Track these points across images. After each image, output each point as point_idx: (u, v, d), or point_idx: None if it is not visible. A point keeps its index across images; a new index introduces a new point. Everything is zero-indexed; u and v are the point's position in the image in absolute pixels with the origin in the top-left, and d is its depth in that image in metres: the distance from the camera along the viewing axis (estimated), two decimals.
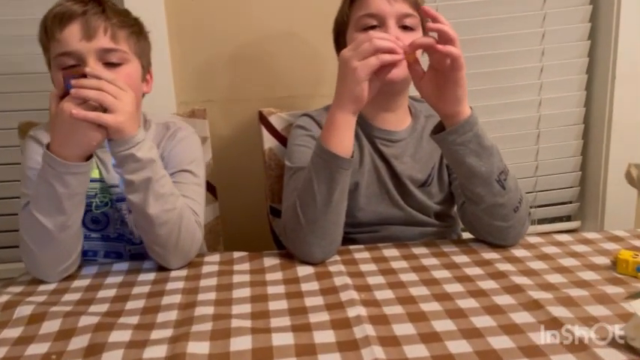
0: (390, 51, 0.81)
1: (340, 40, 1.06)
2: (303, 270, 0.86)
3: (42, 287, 0.84)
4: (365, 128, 1.05)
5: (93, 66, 0.85)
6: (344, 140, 0.86)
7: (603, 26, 1.48)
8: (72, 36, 0.85)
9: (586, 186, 1.61)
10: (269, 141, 1.19)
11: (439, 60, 0.82)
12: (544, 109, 1.53)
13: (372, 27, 0.96)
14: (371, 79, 0.83)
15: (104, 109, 0.78)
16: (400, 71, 0.91)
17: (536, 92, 1.52)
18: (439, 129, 0.88)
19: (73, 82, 0.78)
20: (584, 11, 1.48)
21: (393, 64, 0.82)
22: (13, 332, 0.70)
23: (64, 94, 0.79)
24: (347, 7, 1.02)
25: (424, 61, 0.85)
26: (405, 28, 0.96)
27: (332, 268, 0.85)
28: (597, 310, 0.68)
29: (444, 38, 0.80)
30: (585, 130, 1.57)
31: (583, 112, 1.55)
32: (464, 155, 0.86)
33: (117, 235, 0.98)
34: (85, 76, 0.79)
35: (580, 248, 0.90)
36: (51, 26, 0.87)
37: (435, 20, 0.81)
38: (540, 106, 1.53)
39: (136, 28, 0.93)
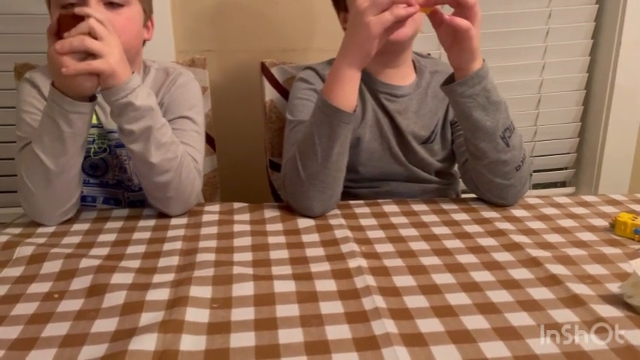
0: (407, 3, 0.79)
1: (340, 1, 1.04)
2: (304, 222, 0.86)
3: (41, 229, 0.84)
4: (368, 83, 1.03)
5: (94, 5, 0.82)
6: (347, 94, 0.85)
7: None
8: None
9: (583, 153, 1.62)
10: (270, 93, 1.17)
11: (458, 12, 0.81)
12: (547, 74, 1.52)
13: None
14: (380, 35, 0.81)
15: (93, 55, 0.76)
16: (407, 30, 0.91)
17: (540, 56, 1.51)
18: (450, 80, 0.88)
19: (65, 34, 0.75)
20: None
21: (402, 21, 0.81)
22: (14, 271, 0.70)
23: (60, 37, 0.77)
24: None
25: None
26: None
27: (332, 221, 0.86)
28: (595, 269, 0.69)
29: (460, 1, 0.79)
30: (586, 96, 1.56)
31: (586, 78, 1.54)
32: (471, 108, 0.86)
33: (116, 182, 0.98)
34: (77, 16, 0.76)
35: (578, 210, 0.91)
36: None
37: None
38: (543, 70, 1.52)
39: None
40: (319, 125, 0.85)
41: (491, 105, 0.86)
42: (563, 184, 1.69)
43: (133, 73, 0.80)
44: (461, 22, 0.80)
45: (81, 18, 0.76)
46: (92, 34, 0.76)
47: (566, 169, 1.65)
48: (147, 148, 0.82)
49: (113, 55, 0.77)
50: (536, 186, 1.65)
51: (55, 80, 0.79)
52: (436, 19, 0.84)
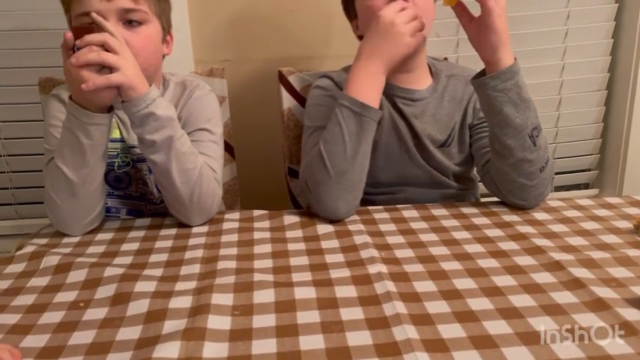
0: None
1: (349, 6, 1.05)
2: (323, 228, 0.86)
3: (66, 239, 0.86)
4: (384, 87, 1.03)
5: (113, 25, 0.84)
6: (375, 95, 0.90)
7: None
8: None
9: (606, 154, 1.59)
10: (288, 101, 1.18)
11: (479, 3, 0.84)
12: (567, 75, 1.50)
13: None
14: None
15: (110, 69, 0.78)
16: (425, 32, 0.95)
17: (560, 57, 1.49)
18: (480, 76, 0.89)
19: (78, 42, 0.77)
20: None
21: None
22: (41, 281, 0.72)
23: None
24: None
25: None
26: None
27: (352, 227, 0.86)
28: (619, 272, 0.68)
29: None
30: (608, 96, 1.54)
31: (607, 78, 1.52)
32: (502, 103, 0.86)
33: (139, 195, 0.99)
34: (90, 29, 0.78)
35: (602, 212, 0.90)
36: None
37: None
38: (563, 71, 1.50)
39: None
40: (348, 123, 0.88)
41: (522, 102, 0.87)
42: (586, 186, 1.66)
43: (150, 85, 0.82)
44: None
45: (94, 30, 0.78)
46: (106, 48, 0.77)
47: (589, 170, 1.62)
48: (168, 158, 0.83)
49: (130, 67, 0.78)
50: (559, 188, 1.63)
51: (73, 94, 0.80)
52: (464, 16, 0.88)
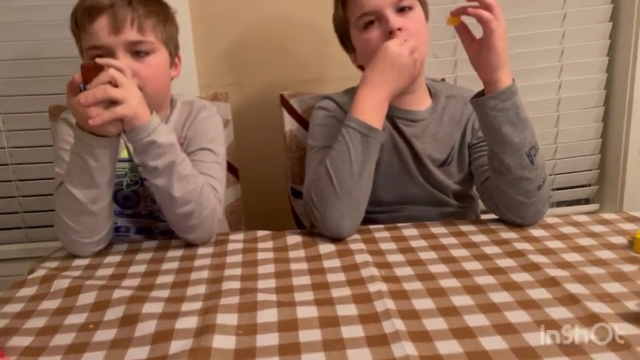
0: None
1: (345, 40, 1.09)
2: (325, 248, 0.88)
3: (76, 262, 0.88)
4: None
5: (121, 58, 0.88)
6: (379, 118, 0.94)
7: (625, 7, 1.46)
8: (101, 30, 0.89)
9: (605, 169, 1.61)
10: (290, 123, 1.21)
11: (481, 24, 0.88)
12: (564, 92, 1.53)
13: (372, 22, 0.99)
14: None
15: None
16: (422, 58, 1.00)
17: (557, 75, 1.52)
18: (479, 95, 0.92)
19: (88, 86, 0.80)
20: None
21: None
22: (52, 304, 0.74)
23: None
24: (341, 9, 1.06)
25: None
26: (403, 10, 0.98)
27: (353, 246, 0.88)
28: (613, 287, 0.70)
29: (483, 5, 0.86)
30: (605, 112, 1.56)
31: (604, 95, 1.55)
32: (501, 122, 0.89)
33: (147, 213, 1.02)
34: (97, 65, 0.81)
35: (598, 228, 0.91)
36: (81, 19, 0.91)
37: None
38: (560, 88, 1.53)
39: (162, 16, 0.96)
40: (355, 144, 0.91)
41: (521, 121, 0.89)
42: (587, 201, 1.67)
43: (152, 112, 0.85)
44: (483, 13, 0.86)
45: (101, 67, 0.81)
46: (112, 82, 0.80)
47: (589, 185, 1.64)
48: (170, 182, 0.86)
49: (133, 99, 0.81)
50: (560, 203, 1.64)
51: (80, 124, 0.83)
52: (466, 37, 0.91)
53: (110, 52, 0.89)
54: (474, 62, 0.92)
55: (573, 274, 0.74)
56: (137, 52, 0.91)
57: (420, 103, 1.09)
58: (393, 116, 1.06)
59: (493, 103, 0.89)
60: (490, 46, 0.87)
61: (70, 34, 0.96)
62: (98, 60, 0.82)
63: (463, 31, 0.92)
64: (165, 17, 0.97)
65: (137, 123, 0.82)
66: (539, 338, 0.59)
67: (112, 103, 0.80)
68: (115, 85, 0.80)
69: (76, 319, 0.70)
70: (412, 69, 0.95)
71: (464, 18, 0.91)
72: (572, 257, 0.81)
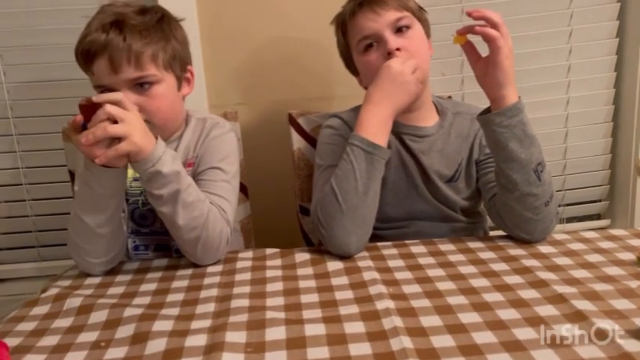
0: None
1: (350, 64, 1.11)
2: (333, 265, 0.89)
3: (88, 281, 0.90)
4: (392, 125, 1.07)
5: (125, 94, 0.87)
6: (383, 135, 0.96)
7: (632, 23, 1.47)
8: (101, 71, 0.90)
9: (615, 184, 1.60)
10: (298, 142, 1.23)
11: (487, 43, 0.89)
12: (572, 108, 1.53)
13: (371, 45, 1.01)
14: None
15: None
16: (424, 77, 1.02)
17: (564, 91, 1.52)
18: (486, 113, 0.93)
19: (88, 124, 0.81)
20: (611, 9, 1.48)
21: None
22: (64, 322, 0.75)
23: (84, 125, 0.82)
24: (341, 36, 1.09)
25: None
26: (400, 30, 1.00)
27: (361, 264, 0.89)
28: (621, 304, 0.70)
29: (490, 23, 0.88)
30: (614, 127, 1.56)
31: (612, 110, 1.55)
32: (507, 139, 0.90)
33: (164, 230, 1.03)
34: (97, 104, 0.81)
35: (606, 244, 0.91)
36: (82, 61, 0.92)
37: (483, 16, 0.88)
38: (568, 104, 1.53)
39: (161, 42, 0.94)
40: (359, 161, 0.92)
41: (527, 138, 0.90)
42: (598, 217, 1.66)
43: (157, 138, 0.85)
44: (490, 31, 0.87)
45: (99, 104, 0.81)
46: (111, 119, 0.80)
47: (600, 201, 1.63)
48: (175, 210, 0.87)
49: (135, 133, 0.81)
50: (570, 219, 1.63)
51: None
52: (472, 55, 0.93)
53: (115, 89, 0.89)
54: (481, 79, 0.93)
55: (581, 291, 0.74)
56: (141, 84, 0.92)
57: (427, 119, 1.10)
58: (399, 132, 1.07)
59: (499, 120, 0.90)
60: (496, 64, 0.88)
61: None
62: (94, 98, 0.82)
63: (469, 49, 0.94)
64: (166, 39, 0.95)
65: (141, 156, 0.83)
66: (547, 355, 0.59)
67: (115, 139, 0.81)
68: (115, 121, 0.81)
69: (88, 337, 0.71)
70: (414, 86, 0.96)
71: (470, 36, 0.92)
72: (581, 274, 0.80)
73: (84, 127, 0.82)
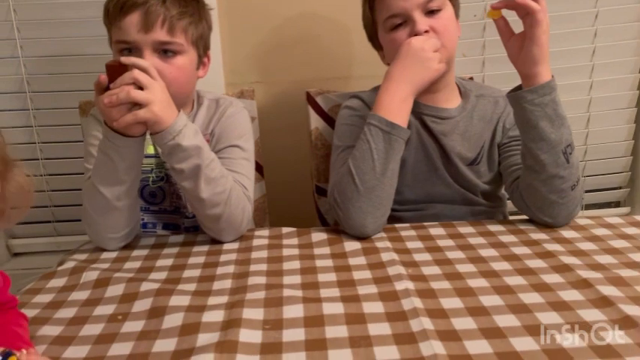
0: None
1: (375, 40, 1.08)
2: (351, 245, 0.88)
3: (104, 255, 0.90)
4: (413, 106, 1.05)
5: (148, 56, 0.88)
6: (403, 115, 0.94)
7: None
8: (131, 26, 0.89)
9: (637, 171, 1.57)
10: (316, 121, 1.21)
11: (523, 18, 0.86)
12: (595, 92, 1.49)
13: (400, 24, 0.98)
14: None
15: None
16: (449, 56, 0.99)
17: (588, 74, 1.49)
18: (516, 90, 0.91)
19: (111, 85, 0.80)
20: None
21: None
22: (82, 295, 0.75)
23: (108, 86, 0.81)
24: (368, 10, 1.05)
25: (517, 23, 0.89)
26: (432, 12, 0.97)
27: (379, 244, 0.87)
28: None
29: None
30: (638, 113, 1.52)
31: (636, 95, 1.51)
32: (538, 117, 0.88)
33: (173, 209, 1.03)
34: (123, 65, 0.81)
35: (631, 230, 0.89)
36: (113, 12, 0.91)
37: None
38: (591, 88, 1.49)
39: (195, 17, 0.95)
40: (376, 141, 0.91)
41: (558, 118, 0.88)
42: (617, 204, 1.63)
43: (179, 111, 0.85)
44: (532, 3, 0.84)
45: (126, 67, 0.80)
46: (136, 84, 0.80)
47: (620, 188, 1.60)
48: (197, 185, 0.86)
49: (157, 102, 0.81)
50: (589, 206, 1.61)
51: (108, 124, 0.84)
52: (506, 30, 0.90)
53: (137, 49, 0.89)
54: (514, 56, 0.90)
55: (606, 277, 0.72)
56: (165, 50, 0.91)
57: (450, 101, 1.07)
58: (420, 113, 1.05)
59: (531, 97, 0.88)
60: (534, 38, 0.86)
61: (101, 32, 0.97)
62: (123, 59, 0.81)
63: (503, 24, 0.91)
64: (199, 18, 0.96)
65: (160, 127, 0.82)
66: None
67: (136, 104, 0.80)
68: (140, 87, 0.80)
69: (104, 310, 0.71)
70: (435, 64, 0.94)
71: (504, 11, 0.89)
72: (605, 259, 0.79)
73: (107, 89, 0.81)
